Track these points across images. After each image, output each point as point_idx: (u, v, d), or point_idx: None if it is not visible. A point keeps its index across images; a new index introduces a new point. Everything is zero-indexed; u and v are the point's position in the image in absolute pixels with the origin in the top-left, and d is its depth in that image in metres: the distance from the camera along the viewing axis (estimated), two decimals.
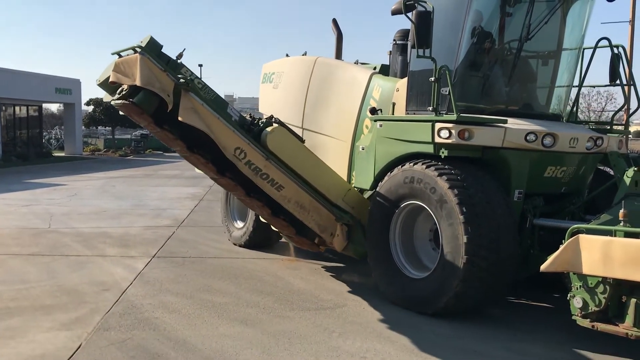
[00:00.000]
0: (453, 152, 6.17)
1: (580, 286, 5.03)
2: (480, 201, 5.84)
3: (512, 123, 6.20)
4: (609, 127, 7.35)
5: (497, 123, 6.14)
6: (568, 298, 5.17)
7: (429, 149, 6.31)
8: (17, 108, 33.26)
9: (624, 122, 8.52)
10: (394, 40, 8.04)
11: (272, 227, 7.64)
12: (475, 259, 5.70)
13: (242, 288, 7.05)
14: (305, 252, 8.03)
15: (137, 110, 6.12)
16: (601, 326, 4.96)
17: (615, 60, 7.07)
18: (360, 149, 7.32)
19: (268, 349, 5.14)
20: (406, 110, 6.98)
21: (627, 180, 5.94)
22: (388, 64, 8.48)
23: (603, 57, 7.18)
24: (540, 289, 7.08)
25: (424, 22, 6.13)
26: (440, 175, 6.01)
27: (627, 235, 4.90)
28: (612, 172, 6.69)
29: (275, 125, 6.70)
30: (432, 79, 6.23)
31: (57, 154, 36.69)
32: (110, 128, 46.11)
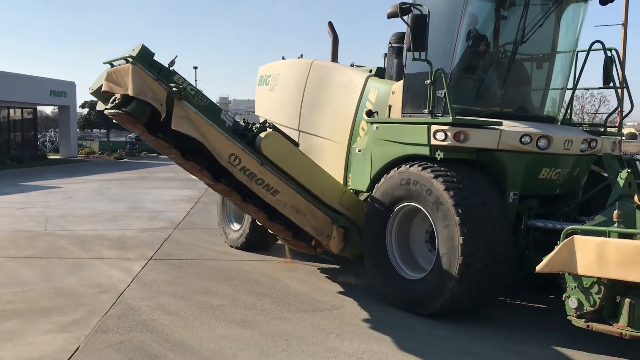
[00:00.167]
0: (449, 154, 6.21)
1: (575, 287, 5.08)
2: (476, 203, 5.89)
3: (507, 125, 6.25)
4: (602, 130, 7.42)
5: (493, 125, 6.19)
6: (563, 298, 5.22)
7: (425, 151, 6.36)
8: (11, 110, 33.16)
9: (617, 125, 8.61)
10: (390, 43, 8.10)
11: (268, 229, 7.67)
12: (471, 260, 5.75)
13: (239, 290, 7.08)
14: (301, 254, 8.06)
15: (130, 120, 6.13)
16: (596, 326, 5.01)
17: (608, 63, 7.13)
18: (357, 151, 7.36)
19: (266, 350, 5.17)
20: (402, 113, 7.03)
21: (621, 182, 5.99)
22: (382, 66, 8.55)
23: (596, 60, 7.26)
24: (535, 289, 7.13)
25: (420, 26, 6.18)
26: (436, 177, 6.05)
27: (621, 236, 4.97)
28: (605, 174, 6.74)
29: (269, 130, 6.71)
30: (428, 81, 6.28)
31: (52, 156, 36.64)
32: (105, 130, 46.06)
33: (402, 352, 5.25)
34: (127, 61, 6.04)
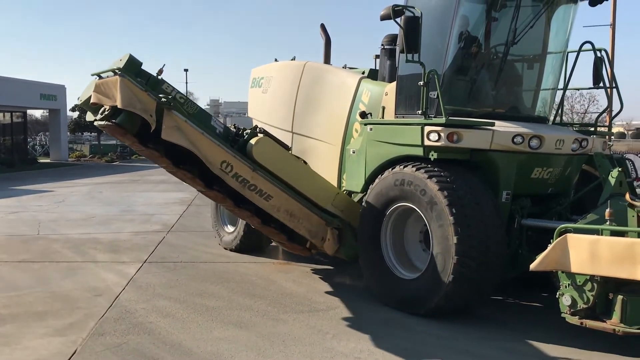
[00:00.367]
0: (442, 155, 6.27)
1: (568, 284, 5.15)
2: (470, 202, 5.94)
3: (500, 126, 6.31)
4: (593, 129, 7.50)
5: (485, 126, 6.25)
6: (557, 296, 5.29)
7: (419, 151, 6.41)
8: (0, 114, 32.96)
9: (607, 124, 8.70)
10: (382, 45, 8.15)
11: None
12: (466, 259, 5.80)
13: (234, 292, 7.09)
14: (296, 255, 8.10)
15: (120, 131, 6.13)
16: (589, 323, 5.08)
17: (598, 63, 7.22)
18: (351, 152, 7.40)
19: (263, 351, 5.20)
20: (395, 114, 7.08)
21: (612, 181, 6.08)
22: (374, 67, 8.60)
23: (586, 60, 7.35)
24: (528, 288, 7.20)
25: (413, 28, 6.23)
26: (430, 177, 6.10)
27: (613, 234, 5.04)
28: (597, 173, 6.82)
29: (260, 135, 6.72)
30: (421, 83, 6.33)
31: (42, 160, 36.42)
32: (95, 134, 45.82)
33: (398, 351, 5.29)
34: (115, 73, 6.02)
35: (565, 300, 5.19)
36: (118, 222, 12.43)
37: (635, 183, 7.85)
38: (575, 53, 7.28)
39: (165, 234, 11.01)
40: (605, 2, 7.03)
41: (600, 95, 42.38)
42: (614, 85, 7.35)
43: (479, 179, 6.27)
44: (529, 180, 6.51)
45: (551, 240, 5.25)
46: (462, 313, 6.21)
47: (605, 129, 7.84)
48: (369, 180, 7.01)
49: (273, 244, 8.73)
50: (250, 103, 10.24)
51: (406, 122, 6.68)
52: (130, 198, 16.97)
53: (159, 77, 6.42)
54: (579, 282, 5.08)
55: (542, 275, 5.71)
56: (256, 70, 10.18)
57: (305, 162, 8.55)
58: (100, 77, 6.35)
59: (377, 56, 8.68)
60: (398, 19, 6.34)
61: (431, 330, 5.86)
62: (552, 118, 7.62)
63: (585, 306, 5.08)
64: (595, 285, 5.00)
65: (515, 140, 6.22)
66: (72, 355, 5.05)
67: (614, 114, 7.80)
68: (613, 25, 21.79)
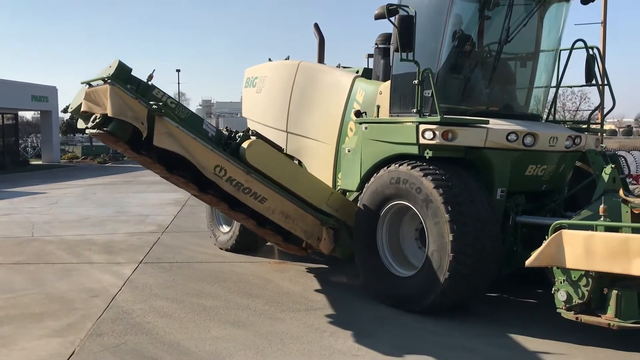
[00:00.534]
0: (437, 153, 6.30)
1: (564, 280, 5.20)
2: (465, 200, 5.99)
3: (494, 123, 6.36)
4: (586, 126, 7.56)
5: (480, 124, 6.30)
6: (552, 292, 5.34)
7: (414, 150, 6.44)
8: None
9: (598, 121, 8.77)
10: (376, 44, 8.17)
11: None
12: (461, 257, 5.84)
13: (231, 291, 7.10)
14: (291, 254, 8.09)
15: (112, 139, 6.11)
16: (585, 318, 5.14)
17: (590, 61, 7.29)
18: (346, 151, 7.42)
19: (261, 350, 5.22)
20: (390, 113, 7.11)
21: (605, 177, 6.14)
22: (367, 66, 8.63)
23: (578, 58, 7.41)
24: (524, 285, 7.25)
25: (407, 27, 6.26)
26: (425, 175, 6.14)
27: (608, 229, 5.10)
28: (590, 170, 6.88)
29: (252, 138, 6.72)
30: (416, 81, 6.37)
31: (34, 162, 36.24)
32: (88, 135, 45.62)
33: (395, 348, 5.32)
34: (105, 81, 5.99)
35: (560, 296, 5.25)
36: (112, 223, 12.41)
37: (627, 179, 7.92)
38: (568, 51, 7.35)
39: (160, 234, 11.00)
40: (596, 0, 7.08)
41: (592, 92, 42.65)
42: (606, 82, 7.42)
43: (474, 177, 6.31)
44: (523, 177, 6.56)
45: (546, 237, 5.30)
46: (458, 310, 6.25)
47: (598, 126, 7.91)
48: (365, 179, 7.04)
49: (268, 243, 8.74)
50: (244, 103, 10.25)
51: (401, 120, 6.71)
52: (124, 199, 16.94)
53: (149, 82, 6.41)
54: (574, 277, 5.13)
55: (536, 271, 5.77)
56: (250, 70, 10.18)
57: (300, 162, 8.62)
58: (90, 85, 6.31)
59: (369, 55, 8.72)
60: (392, 18, 6.37)
61: (427, 327, 5.90)
62: (545, 116, 7.68)
63: (580, 301, 5.13)
64: (590, 280, 5.06)
65: (509, 137, 6.27)
66: (71, 356, 5.04)
67: (606, 111, 7.87)
68: (604, 23, 21.95)
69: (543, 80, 7.41)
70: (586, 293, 5.08)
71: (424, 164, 6.28)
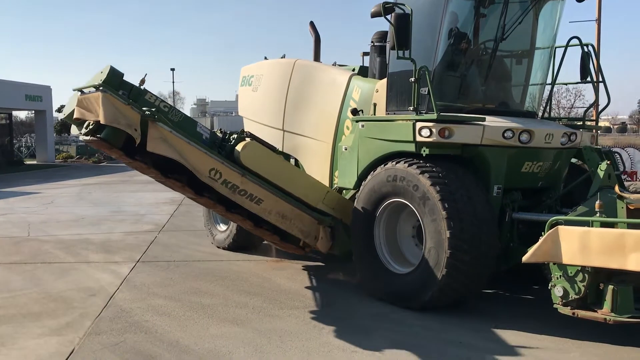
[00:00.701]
0: (434, 150, 6.34)
1: (560, 275, 5.24)
2: (462, 197, 6.02)
3: (490, 121, 6.40)
4: (581, 123, 7.61)
5: (476, 121, 6.33)
6: (549, 287, 5.38)
7: (411, 147, 6.47)
8: None
9: (593, 118, 8.82)
10: (372, 42, 8.20)
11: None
12: (458, 253, 5.88)
13: (229, 289, 7.12)
14: (289, 252, 8.12)
15: (106, 145, 6.09)
16: (581, 313, 5.18)
17: (585, 59, 7.33)
18: (343, 149, 7.45)
19: (261, 347, 5.24)
20: (386, 111, 7.14)
21: (601, 174, 6.19)
22: (362, 64, 8.65)
23: (574, 56, 7.46)
24: (520, 281, 7.29)
25: (403, 24, 6.28)
26: (422, 173, 6.17)
27: (603, 225, 5.14)
28: (585, 167, 6.94)
29: (247, 140, 6.73)
30: (412, 79, 6.39)
31: (28, 162, 36.12)
32: None
33: (393, 344, 5.36)
34: (97, 88, 5.97)
35: (557, 291, 5.29)
36: (109, 222, 12.40)
37: (622, 176, 7.97)
38: (563, 48, 7.39)
39: (157, 233, 11.01)
40: None
41: (587, 90, 42.80)
42: (600, 79, 7.46)
43: (471, 174, 6.35)
44: (519, 174, 6.60)
45: (542, 233, 5.34)
46: (455, 306, 6.28)
47: (593, 123, 7.95)
48: (362, 177, 7.06)
49: (265, 242, 8.76)
50: (241, 101, 10.26)
51: (398, 118, 6.74)
52: (120, 198, 16.92)
53: (142, 87, 6.40)
54: (571, 273, 5.17)
55: (533, 267, 5.81)
56: (246, 68, 10.19)
57: (296, 160, 8.64)
58: (83, 92, 6.29)
59: (365, 53, 8.74)
60: (389, 16, 6.40)
61: (425, 324, 5.93)
62: (540, 113, 7.72)
63: (576, 296, 5.17)
64: (586, 275, 5.10)
65: (505, 135, 6.31)
66: (70, 354, 5.06)
67: (601, 108, 7.93)
68: (599, 21, 22.03)
69: (538, 78, 7.45)
70: (582, 288, 5.12)
71: (421, 161, 6.31)
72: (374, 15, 6.61)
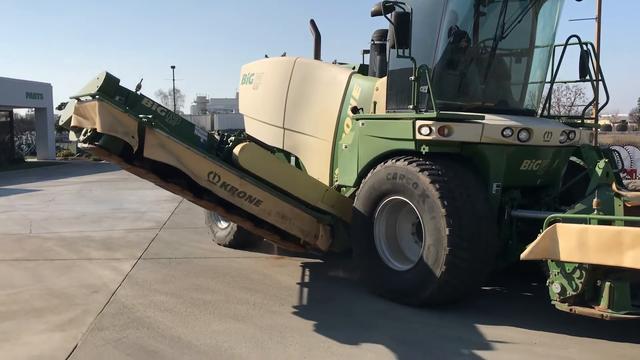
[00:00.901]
0: (433, 148, 6.38)
1: (558, 272, 5.30)
2: (461, 195, 6.07)
3: (489, 119, 6.45)
4: (580, 121, 7.66)
5: (475, 119, 6.38)
6: (547, 284, 5.43)
7: (410, 145, 6.52)
8: None
9: (593, 116, 8.87)
10: (372, 40, 8.24)
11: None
12: (457, 250, 5.93)
13: (230, 286, 7.18)
14: (290, 250, 8.18)
15: (104, 152, 6.13)
16: (579, 309, 5.24)
17: (584, 57, 7.37)
18: (343, 147, 7.49)
19: (262, 343, 5.30)
20: (386, 109, 7.18)
21: (599, 172, 6.24)
22: (362, 63, 8.70)
23: (574, 54, 7.50)
24: (519, 278, 7.35)
25: (403, 23, 6.32)
26: (421, 170, 6.22)
27: (601, 222, 5.19)
28: (584, 164, 6.98)
29: (245, 142, 6.77)
30: (412, 78, 6.44)
31: (29, 159, 36.16)
32: None
33: (392, 339, 5.42)
34: (93, 97, 6.00)
35: (554, 288, 5.34)
36: (110, 220, 12.45)
37: (621, 174, 8.00)
38: (562, 47, 7.44)
39: (158, 231, 11.06)
40: None
41: (587, 88, 42.77)
42: (600, 78, 7.50)
43: (470, 172, 6.39)
44: (518, 172, 6.65)
45: (541, 230, 5.39)
46: (454, 303, 6.33)
47: (592, 122, 8.00)
48: (362, 175, 7.11)
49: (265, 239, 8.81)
50: (241, 99, 10.30)
51: (397, 116, 6.79)
52: (120, 196, 16.96)
53: (138, 92, 6.44)
54: (568, 270, 5.22)
55: (531, 264, 5.86)
56: (247, 66, 10.23)
57: (297, 158, 8.70)
58: (80, 100, 6.32)
59: (365, 51, 8.78)
60: (389, 15, 6.44)
61: (424, 320, 5.99)
62: (540, 111, 7.77)
63: (574, 293, 5.22)
64: (583, 272, 5.15)
65: (504, 133, 6.35)
66: (74, 349, 5.12)
67: (600, 106, 7.97)
68: (598, 19, 22.02)
69: (538, 76, 7.50)
70: (580, 285, 5.17)
71: (421, 159, 6.36)
72: (374, 14, 6.66)
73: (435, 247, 6.07)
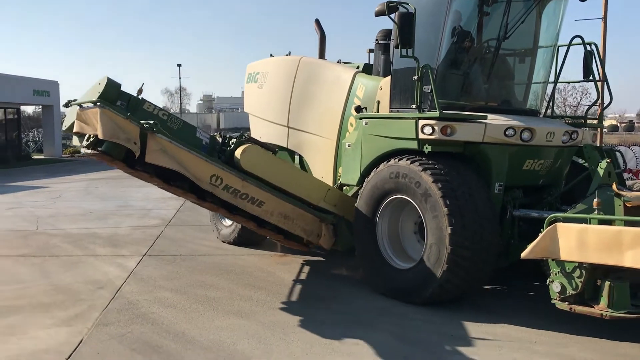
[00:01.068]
0: (436, 148, 6.43)
1: (558, 271, 5.34)
2: (463, 194, 6.11)
3: (492, 119, 6.48)
4: (583, 121, 7.68)
5: (478, 119, 6.42)
6: (547, 283, 5.47)
7: (413, 145, 6.56)
8: None
9: (596, 116, 8.88)
10: (377, 39, 8.28)
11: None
12: (459, 249, 5.97)
13: (234, 283, 7.25)
14: (293, 248, 8.24)
15: (107, 158, 6.17)
16: (578, 308, 5.28)
17: (588, 57, 7.39)
18: (347, 146, 7.54)
19: (264, 339, 5.36)
20: (390, 108, 7.23)
21: (601, 172, 6.27)
22: (368, 62, 8.74)
23: (578, 54, 7.52)
24: (521, 277, 7.38)
25: (407, 23, 6.37)
26: (424, 170, 6.26)
27: (601, 222, 5.23)
28: (586, 164, 7.01)
29: (246, 144, 6.82)
30: (415, 77, 6.48)
31: (36, 156, 36.36)
32: None
33: (393, 337, 5.48)
34: (95, 104, 6.05)
35: (555, 287, 5.38)
36: (116, 217, 12.55)
37: (628, 175, 8.00)
38: (566, 47, 7.46)
39: (163, 228, 11.15)
40: None
41: (593, 88, 42.55)
42: (602, 78, 7.52)
43: (472, 171, 6.43)
44: (520, 171, 6.68)
45: (541, 229, 5.43)
46: (456, 301, 6.38)
47: (596, 122, 8.02)
48: (365, 174, 7.16)
49: None
50: (246, 98, 10.36)
51: (400, 116, 6.83)
52: (126, 193, 17.06)
53: (139, 97, 6.49)
54: (568, 269, 5.26)
55: (532, 264, 5.91)
56: (252, 65, 10.28)
57: (301, 157, 8.75)
58: (81, 107, 6.38)
59: (370, 50, 8.82)
60: (392, 15, 6.48)
61: (426, 318, 6.04)
62: (543, 111, 7.79)
63: (574, 292, 5.26)
64: (583, 272, 5.19)
65: (507, 132, 6.39)
66: (79, 344, 5.20)
67: (603, 106, 7.99)
68: (605, 19, 21.95)
69: (541, 76, 7.52)
70: (580, 284, 5.21)
71: (423, 158, 6.40)
72: (378, 14, 6.71)
73: (437, 246, 6.11)
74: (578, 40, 7.37)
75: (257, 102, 9.83)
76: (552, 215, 5.50)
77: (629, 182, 9.37)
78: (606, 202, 5.49)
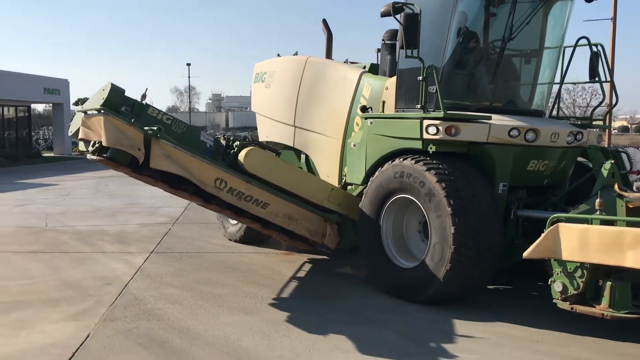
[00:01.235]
0: (440, 148, 6.47)
1: (560, 271, 5.37)
2: (467, 194, 6.15)
3: (497, 119, 6.51)
4: (589, 122, 7.69)
5: (482, 119, 6.45)
6: (549, 283, 5.51)
7: (418, 145, 6.61)
8: (5, 109, 33.20)
9: (604, 118, 8.88)
10: (383, 40, 8.33)
11: None
12: (463, 249, 6.01)
13: (240, 280, 7.33)
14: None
15: (112, 164, 6.25)
16: (580, 308, 5.31)
17: (594, 58, 7.40)
18: (352, 146, 7.59)
19: (268, 335, 5.43)
20: (395, 108, 7.27)
21: (605, 173, 6.28)
22: (376, 61, 8.78)
23: (586, 55, 7.52)
24: (524, 277, 7.40)
25: (412, 24, 6.41)
26: (428, 169, 6.31)
27: (603, 223, 5.26)
28: (591, 165, 7.02)
29: (249, 147, 6.87)
30: (420, 78, 6.53)
31: (46, 154, 36.66)
32: None
33: (396, 335, 5.53)
34: (99, 111, 6.12)
35: (556, 287, 5.41)
36: (124, 214, 12.67)
37: (636, 176, 8.01)
38: (572, 48, 7.47)
39: (171, 225, 11.26)
40: None
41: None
42: (608, 79, 7.51)
43: (476, 171, 6.47)
44: (525, 172, 6.71)
45: (544, 229, 5.46)
46: (459, 300, 6.42)
47: (600, 123, 8.02)
48: (370, 173, 7.21)
49: None
50: (253, 98, 10.43)
51: (405, 116, 6.88)
52: (135, 191, 17.16)
53: (143, 102, 6.56)
54: (570, 269, 5.29)
55: (534, 263, 5.93)
56: (259, 65, 10.36)
57: (307, 156, 8.82)
58: (87, 113, 6.45)
59: (379, 50, 8.86)
60: (398, 16, 6.53)
61: (429, 316, 6.08)
62: (548, 112, 7.81)
63: (575, 292, 5.30)
64: (585, 272, 5.22)
65: (511, 133, 6.42)
66: (86, 338, 5.29)
67: (610, 108, 7.99)
68: (614, 20, 21.88)
69: (546, 77, 7.53)
70: (581, 284, 5.24)
71: (428, 158, 6.44)
72: (384, 14, 6.75)
73: (440, 245, 6.15)
74: (584, 41, 7.38)
75: (265, 101, 9.90)
76: (555, 215, 5.54)
77: (638, 183, 9.31)
78: (608, 202, 5.53)
